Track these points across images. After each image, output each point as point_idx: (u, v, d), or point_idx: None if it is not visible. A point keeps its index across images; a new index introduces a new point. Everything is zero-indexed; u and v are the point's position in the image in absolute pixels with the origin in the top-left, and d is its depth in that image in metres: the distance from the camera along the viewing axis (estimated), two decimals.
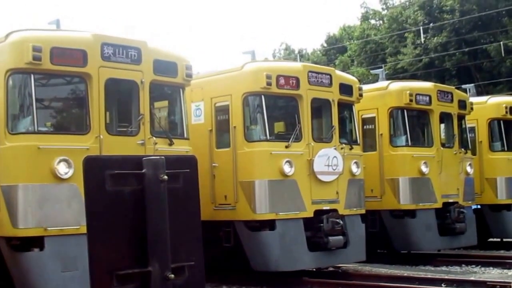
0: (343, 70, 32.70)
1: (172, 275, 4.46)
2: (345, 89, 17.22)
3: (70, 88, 13.08)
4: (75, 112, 13.29)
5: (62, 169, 11.81)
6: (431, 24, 47.18)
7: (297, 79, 16.11)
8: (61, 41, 12.41)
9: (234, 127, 15.88)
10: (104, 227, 4.31)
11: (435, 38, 46.16)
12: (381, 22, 57.24)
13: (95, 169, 4.32)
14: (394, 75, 44.41)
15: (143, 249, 4.38)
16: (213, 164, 16.13)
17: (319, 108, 16.79)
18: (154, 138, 13.18)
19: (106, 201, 4.32)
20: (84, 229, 11.37)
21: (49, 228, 11.67)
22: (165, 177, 4.43)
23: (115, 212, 4.33)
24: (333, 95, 16.79)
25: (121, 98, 13.45)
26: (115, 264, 4.31)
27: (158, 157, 4.48)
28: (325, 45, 62.89)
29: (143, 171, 4.43)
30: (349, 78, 18.28)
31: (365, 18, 59.69)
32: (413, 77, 42.83)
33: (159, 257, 4.39)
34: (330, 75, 16.93)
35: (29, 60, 11.83)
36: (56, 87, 12.98)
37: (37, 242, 11.72)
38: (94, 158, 4.35)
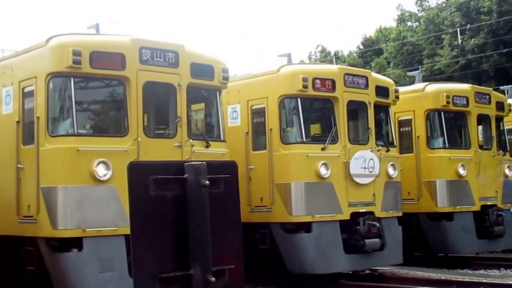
0: (379, 72, 32.55)
1: (213, 278, 4.51)
2: (381, 91, 17.15)
3: (109, 91, 13.21)
4: (114, 115, 13.40)
5: (101, 171, 11.94)
6: (468, 26, 46.72)
7: (333, 82, 16.08)
8: (100, 45, 12.54)
9: (270, 129, 15.89)
10: (147, 231, 4.38)
11: (472, 40, 45.74)
12: (417, 23, 56.90)
13: (139, 174, 4.39)
14: (430, 77, 44.03)
15: (185, 252, 4.43)
16: (249, 166, 16.15)
17: (355, 110, 16.76)
18: (191, 140, 13.23)
19: (149, 205, 4.38)
20: (121, 231, 11.66)
21: (87, 229, 11.79)
22: (207, 182, 4.48)
23: (158, 216, 4.40)
24: (369, 97, 16.73)
25: (158, 101, 13.51)
26: (158, 267, 4.37)
27: (199, 162, 4.52)
28: (361, 47, 62.64)
29: (185, 176, 4.48)
30: (385, 80, 18.19)
31: (401, 20, 59.40)
32: (450, 79, 42.46)
33: (201, 260, 4.45)
34: (366, 77, 16.88)
35: (69, 64, 11.97)
36: (95, 90, 13.11)
37: (75, 243, 11.84)
38: (138, 163, 4.47)
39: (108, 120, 13.46)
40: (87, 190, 11.90)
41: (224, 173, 4.74)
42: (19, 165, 12.65)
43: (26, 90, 12.78)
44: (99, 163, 11.93)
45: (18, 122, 12.84)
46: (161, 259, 4.40)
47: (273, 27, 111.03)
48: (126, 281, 11.81)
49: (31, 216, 12.28)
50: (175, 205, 4.45)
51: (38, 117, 12.24)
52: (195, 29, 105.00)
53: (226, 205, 4.73)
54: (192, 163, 4.53)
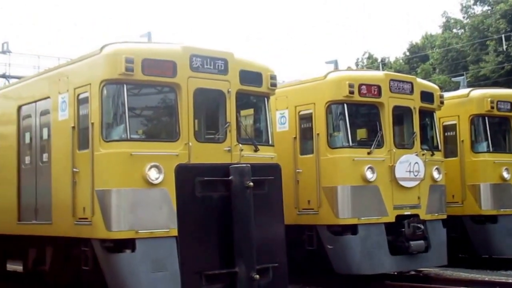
0: (424, 78, 32.26)
1: (257, 276, 4.57)
2: (426, 96, 16.97)
3: (161, 98, 13.22)
4: (165, 120, 13.42)
5: (153, 175, 11.98)
6: None
7: (379, 87, 15.96)
8: (152, 53, 12.59)
9: (318, 134, 15.80)
10: (194, 231, 4.48)
11: None
12: (462, 30, 56.20)
13: (186, 176, 4.50)
14: (475, 83, 43.48)
15: (230, 251, 4.52)
16: (297, 170, 16.09)
17: (401, 115, 16.58)
18: (240, 145, 13.22)
19: (196, 206, 4.48)
20: (173, 232, 11.63)
21: (140, 231, 11.84)
22: (251, 183, 4.51)
23: (204, 216, 4.50)
24: (415, 102, 16.56)
25: (209, 106, 13.55)
26: (204, 265, 4.49)
27: (244, 165, 4.58)
28: (408, 53, 62.20)
29: (230, 178, 4.55)
30: (430, 85, 17.97)
31: (446, 27, 58.78)
32: (495, 84, 41.83)
33: (245, 258, 4.53)
34: (412, 83, 16.72)
35: (122, 71, 12.03)
36: (147, 97, 13.16)
37: (129, 244, 11.90)
38: (185, 166, 4.53)
39: (160, 126, 13.51)
40: (139, 193, 11.95)
41: (268, 175, 4.77)
42: (74, 169, 12.74)
43: (81, 96, 12.87)
44: (151, 167, 11.97)
45: (73, 127, 12.93)
46: (207, 258, 4.54)
47: (320, 35, 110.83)
48: (177, 281, 11.81)
49: (86, 218, 12.37)
50: (221, 206, 4.55)
51: (92, 123, 12.33)
52: (210, 32, 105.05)
53: (270, 206, 4.80)
54: (237, 165, 4.60)
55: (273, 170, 4.85)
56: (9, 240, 15.61)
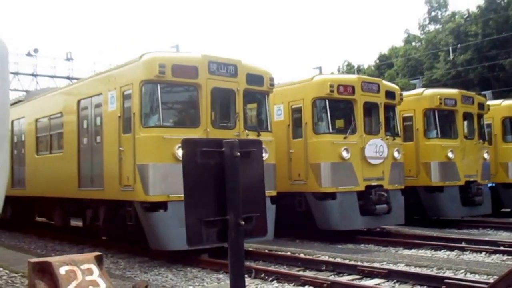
0: (390, 81, 32.03)
1: (243, 222, 4.63)
2: (390, 95, 16.97)
3: (186, 94, 13.24)
4: (189, 112, 13.42)
5: (180, 153, 11.93)
6: (458, 45, 45.85)
7: (353, 87, 15.99)
8: (179, 60, 12.64)
9: (305, 123, 15.86)
10: (195, 188, 4.54)
11: (462, 56, 44.90)
12: (420, 43, 55.96)
13: (190, 147, 4.57)
14: (429, 85, 43.28)
15: (223, 203, 4.59)
16: (290, 151, 16.14)
17: (370, 109, 16.58)
18: (246, 131, 13.29)
19: (197, 170, 4.55)
20: None
21: (171, 195, 11.90)
22: (238, 154, 4.63)
23: (203, 177, 4.56)
24: (380, 99, 16.58)
25: (222, 101, 13.53)
26: (204, 213, 4.54)
27: (233, 140, 4.69)
28: (377, 61, 61.86)
29: (223, 149, 4.64)
30: (392, 86, 17.94)
31: (407, 41, 58.55)
32: (444, 86, 41.67)
33: (234, 209, 4.59)
34: (378, 84, 16.77)
35: (156, 74, 12.11)
36: (176, 94, 13.18)
37: (162, 205, 12.01)
38: (190, 140, 4.66)
39: (185, 116, 13.52)
40: (170, 167, 11.98)
41: (252, 148, 4.87)
42: (120, 148, 12.83)
43: (125, 93, 12.95)
44: (179, 147, 11.96)
45: (119, 117, 13.01)
46: (205, 208, 4.56)
47: (309, 43, 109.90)
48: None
49: (130, 185, 12.46)
50: (216, 170, 4.61)
51: (134, 113, 12.41)
52: (221, 41, 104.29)
53: (252, 170, 4.85)
54: (228, 140, 4.67)
55: (256, 144, 4.97)
56: (72, 202, 15.74)
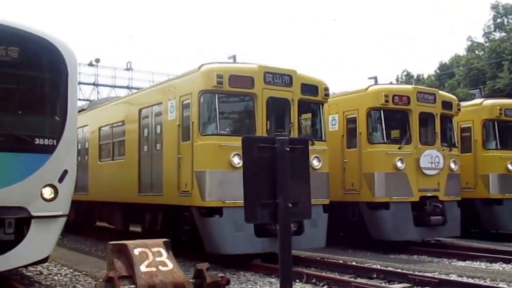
0: (450, 92, 31.79)
1: (291, 205, 5.67)
2: (446, 105, 17.01)
3: (242, 104, 13.55)
4: (245, 120, 13.75)
5: (236, 160, 12.36)
6: None
7: (408, 98, 16.16)
8: (236, 70, 13.08)
9: (360, 133, 16.11)
10: (253, 176, 5.63)
11: None
12: (482, 52, 54.87)
13: (249, 143, 5.73)
14: (492, 95, 42.48)
15: (274, 189, 5.66)
16: (344, 160, 16.41)
17: (426, 119, 16.64)
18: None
19: (254, 161, 5.66)
20: None
21: (226, 201, 12.31)
22: (288, 149, 5.70)
23: (259, 168, 5.65)
24: (436, 109, 16.64)
25: (277, 111, 13.74)
26: (259, 197, 5.62)
27: (284, 138, 5.85)
28: (438, 71, 61.08)
29: (275, 145, 5.72)
30: (450, 96, 18.00)
31: (470, 49, 57.49)
32: (508, 96, 40.81)
33: (283, 194, 5.64)
34: (434, 95, 16.83)
35: (214, 84, 12.59)
36: (232, 103, 13.53)
37: (218, 211, 12.42)
38: (249, 137, 5.76)
39: (241, 124, 13.82)
40: (226, 174, 12.38)
41: (299, 145, 5.96)
42: (179, 155, 13.29)
43: (184, 102, 13.41)
44: (234, 154, 12.38)
45: (179, 125, 13.49)
46: (260, 193, 5.63)
47: (367, 53, 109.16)
48: (252, 239, 12.35)
49: (187, 191, 12.92)
50: (269, 162, 5.68)
51: (192, 122, 12.89)
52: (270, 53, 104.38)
53: (299, 163, 5.89)
54: (280, 138, 5.81)
55: (303, 142, 6.07)
56: (131, 207, 16.22)
